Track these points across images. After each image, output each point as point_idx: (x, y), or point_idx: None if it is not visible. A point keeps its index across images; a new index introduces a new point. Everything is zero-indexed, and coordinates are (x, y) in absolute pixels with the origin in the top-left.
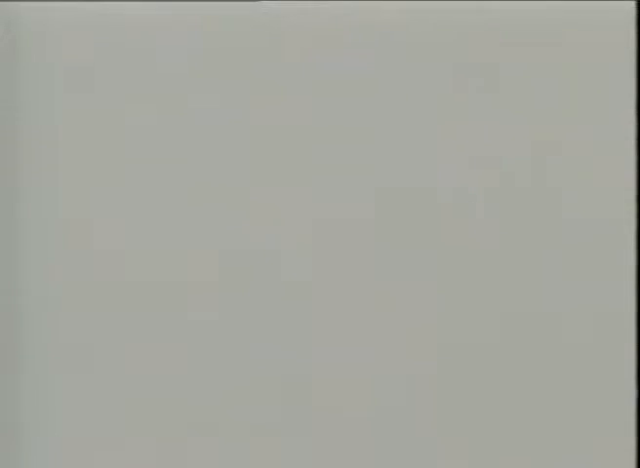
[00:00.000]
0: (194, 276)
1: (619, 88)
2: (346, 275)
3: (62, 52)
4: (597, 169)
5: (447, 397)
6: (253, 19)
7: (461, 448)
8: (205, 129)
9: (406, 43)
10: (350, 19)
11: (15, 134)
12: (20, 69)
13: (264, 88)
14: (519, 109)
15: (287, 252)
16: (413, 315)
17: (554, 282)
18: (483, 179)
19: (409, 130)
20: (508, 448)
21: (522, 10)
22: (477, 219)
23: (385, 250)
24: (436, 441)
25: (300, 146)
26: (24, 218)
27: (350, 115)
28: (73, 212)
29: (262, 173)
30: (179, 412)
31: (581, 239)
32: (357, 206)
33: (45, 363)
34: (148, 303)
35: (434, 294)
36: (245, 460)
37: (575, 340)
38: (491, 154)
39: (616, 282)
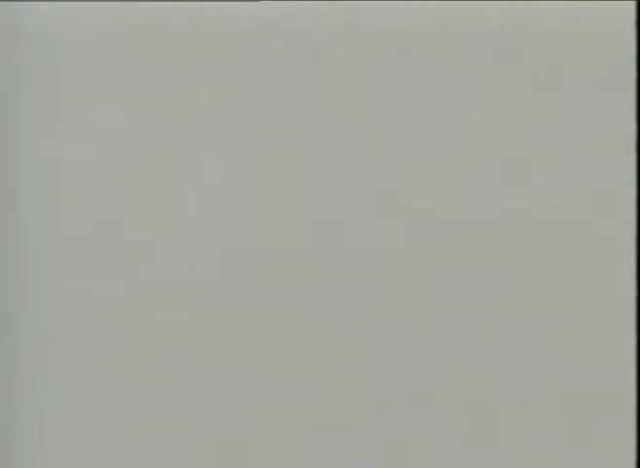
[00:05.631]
0: (198, 276)
1: (619, 88)
2: (346, 276)
3: (63, 52)
4: (597, 168)
5: (446, 395)
6: (253, 19)
7: (460, 447)
8: (204, 128)
9: (406, 43)
10: (350, 19)
11: (15, 133)
12: (20, 69)
13: (264, 87)
14: (518, 109)
15: (287, 251)
16: (411, 316)
17: (554, 282)
18: (482, 178)
19: (410, 129)
20: (508, 447)
21: (522, 10)
22: (477, 218)
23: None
24: (437, 441)
25: (301, 146)
26: (24, 218)
27: (350, 115)
28: (73, 210)
29: (261, 172)
30: (179, 412)
31: (581, 239)
32: (357, 205)
33: (44, 362)
34: (148, 303)
35: (435, 292)
36: (245, 460)
37: (574, 341)
38: (489, 153)
39: (616, 282)
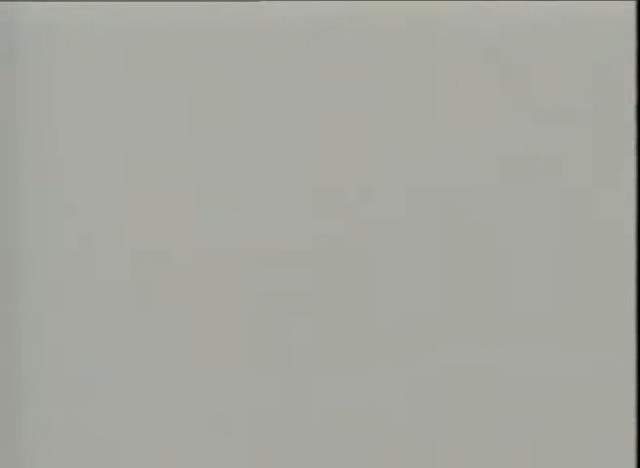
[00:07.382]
0: (197, 276)
1: (619, 88)
2: (346, 276)
3: (62, 51)
4: (597, 169)
5: (445, 395)
6: (253, 19)
7: (460, 447)
8: (204, 127)
9: (406, 42)
10: (350, 19)
11: (14, 133)
12: (20, 70)
13: (264, 87)
14: (519, 109)
15: (290, 252)
16: (412, 314)
17: (554, 281)
18: (484, 179)
19: (410, 130)
20: (508, 448)
21: (522, 10)
22: (479, 219)
23: (388, 250)
24: (438, 441)
25: (301, 146)
26: (24, 218)
27: (351, 115)
28: (73, 212)
29: (259, 172)
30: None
31: (581, 239)
32: (357, 206)
33: (44, 365)
34: (148, 304)
35: (436, 293)
36: (245, 460)
37: (575, 341)
38: (491, 154)
39: (616, 282)
